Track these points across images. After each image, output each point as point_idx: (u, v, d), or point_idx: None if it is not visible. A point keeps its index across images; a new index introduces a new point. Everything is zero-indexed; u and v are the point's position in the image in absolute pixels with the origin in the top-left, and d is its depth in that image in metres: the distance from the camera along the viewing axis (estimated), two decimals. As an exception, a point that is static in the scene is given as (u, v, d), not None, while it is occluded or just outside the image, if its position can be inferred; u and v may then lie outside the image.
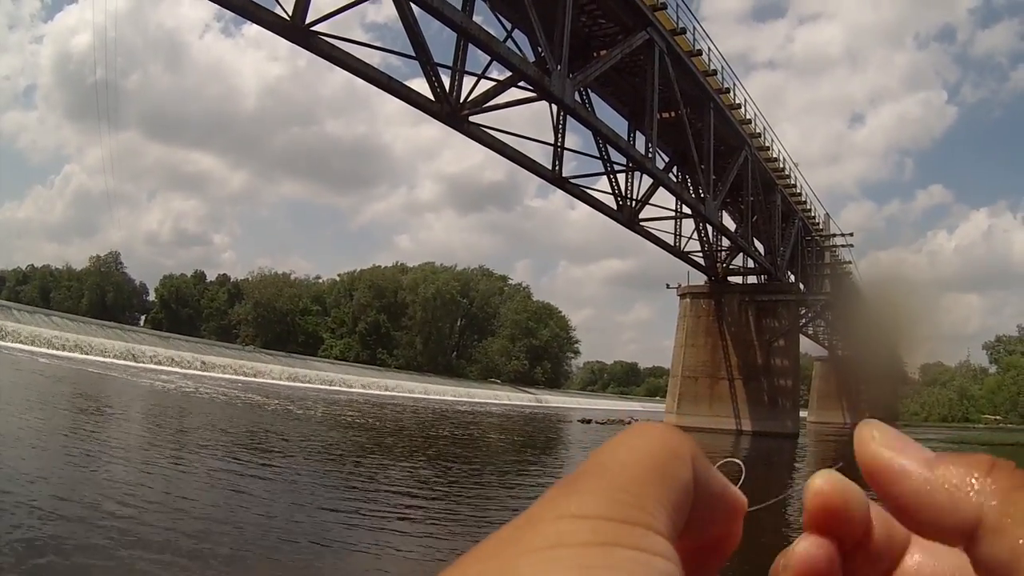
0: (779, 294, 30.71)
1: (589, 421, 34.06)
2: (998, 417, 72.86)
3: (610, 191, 23.05)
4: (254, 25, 13.20)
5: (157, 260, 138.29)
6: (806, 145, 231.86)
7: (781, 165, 31.12)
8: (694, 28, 22.46)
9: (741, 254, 30.97)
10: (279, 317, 77.80)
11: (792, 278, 34.33)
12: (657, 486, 0.26)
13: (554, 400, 66.36)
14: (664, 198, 25.78)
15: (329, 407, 26.16)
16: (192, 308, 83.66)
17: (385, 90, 15.27)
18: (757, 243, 31.29)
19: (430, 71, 15.44)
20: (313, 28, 13.17)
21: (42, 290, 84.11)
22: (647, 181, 23.03)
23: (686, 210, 26.11)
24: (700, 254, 29.79)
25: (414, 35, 14.43)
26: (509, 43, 17.35)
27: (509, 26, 18.87)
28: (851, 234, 36.97)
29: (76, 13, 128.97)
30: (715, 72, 23.98)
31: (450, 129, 16.91)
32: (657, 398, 78.56)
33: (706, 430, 27.92)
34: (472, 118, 16.94)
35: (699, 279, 31.63)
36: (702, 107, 23.71)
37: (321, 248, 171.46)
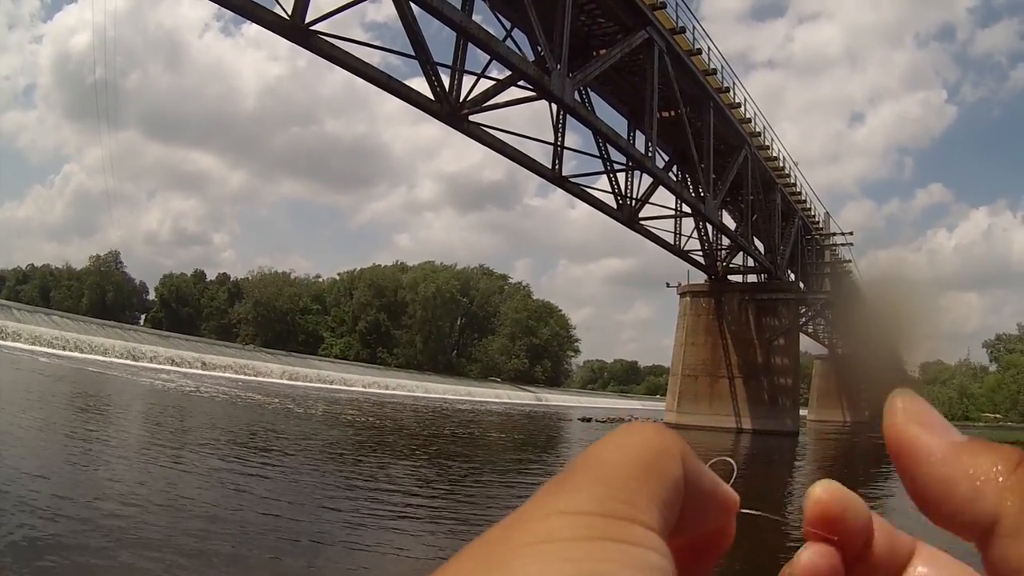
0: (779, 293, 30.73)
1: (589, 420, 34.07)
2: (998, 415, 72.93)
3: (610, 190, 23.07)
4: (254, 25, 13.22)
5: (157, 259, 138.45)
6: (806, 144, 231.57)
7: (781, 164, 31.13)
8: (693, 27, 22.50)
9: (741, 253, 30.99)
10: (279, 316, 77.87)
11: (792, 277, 34.35)
12: (647, 483, 0.26)
13: (554, 399, 66.42)
14: (664, 197, 25.80)
15: (329, 406, 26.18)
16: (192, 307, 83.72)
17: (385, 89, 15.27)
18: (757, 242, 31.30)
19: (430, 70, 15.44)
20: (313, 27, 13.17)
21: (42, 289, 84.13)
22: (647, 180, 23.05)
23: (686, 209, 26.11)
24: (700, 253, 29.80)
25: (414, 34, 14.43)
26: (508, 42, 17.33)
27: (508, 25, 18.86)
28: (851, 233, 37.01)
29: (75, 13, 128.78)
30: (715, 71, 23.98)
31: (450, 128, 16.91)
32: (657, 397, 78.61)
33: (706, 428, 27.95)
34: (472, 117, 16.94)
35: (699, 278, 31.65)
36: (702, 106, 23.71)
37: (321, 247, 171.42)
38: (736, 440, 25.65)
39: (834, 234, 37.65)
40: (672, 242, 27.45)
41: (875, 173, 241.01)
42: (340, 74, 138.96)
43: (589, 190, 22.38)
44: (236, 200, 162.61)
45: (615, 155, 22.00)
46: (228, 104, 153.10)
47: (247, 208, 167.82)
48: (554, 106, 19.36)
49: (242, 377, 38.22)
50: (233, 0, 12.36)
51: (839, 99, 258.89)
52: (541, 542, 0.23)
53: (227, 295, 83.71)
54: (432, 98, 15.75)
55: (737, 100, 26.20)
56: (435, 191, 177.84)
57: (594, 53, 20.16)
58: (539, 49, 17.10)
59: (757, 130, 28.29)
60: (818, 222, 37.13)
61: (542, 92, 16.91)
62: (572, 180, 21.51)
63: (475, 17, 15.74)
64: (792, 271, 34.91)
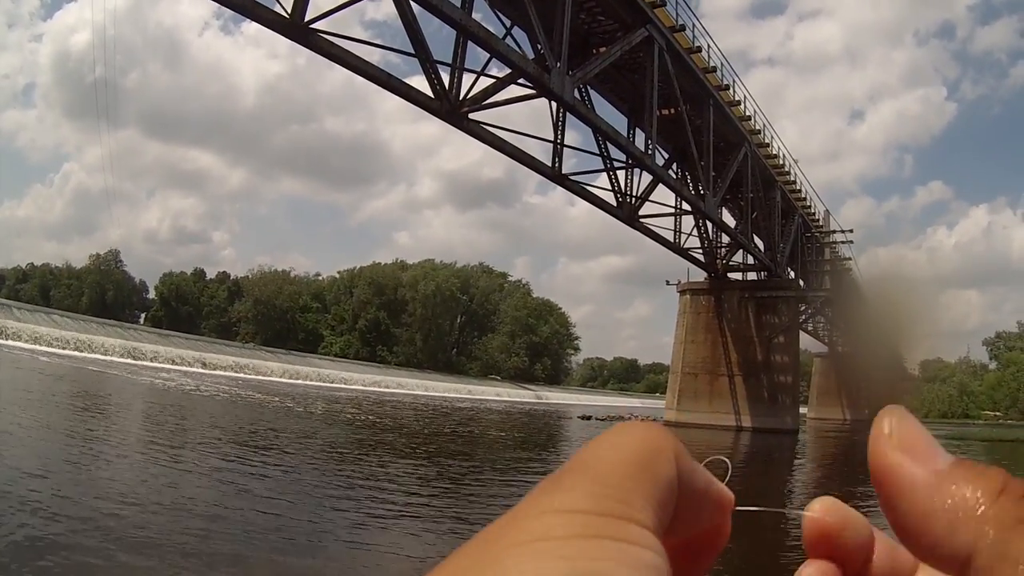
0: (779, 290, 30.74)
1: (589, 417, 34.11)
2: (998, 413, 73.01)
3: (610, 188, 23.05)
4: (253, 23, 13.21)
5: (157, 258, 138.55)
6: (806, 142, 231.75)
7: (781, 162, 31.11)
8: (693, 25, 22.45)
9: (741, 250, 30.97)
10: (279, 314, 77.89)
11: (792, 274, 34.37)
12: (641, 482, 0.26)
13: (554, 397, 66.44)
14: (664, 195, 25.76)
15: (329, 404, 26.18)
16: (192, 306, 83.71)
17: (385, 87, 15.27)
18: (757, 239, 31.29)
19: (429, 68, 15.42)
20: (312, 26, 13.15)
21: (42, 288, 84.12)
22: (647, 178, 23.03)
23: (686, 207, 26.11)
24: (700, 250, 29.79)
25: (413, 32, 14.41)
26: (508, 40, 17.32)
27: (508, 23, 18.84)
28: (851, 230, 37.08)
29: (75, 11, 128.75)
30: (714, 69, 23.97)
31: (449, 126, 16.90)
32: (657, 394, 78.60)
33: (706, 426, 27.98)
34: (472, 115, 16.93)
35: (699, 276, 31.65)
36: (701, 104, 23.69)
37: (321, 245, 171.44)
38: (736, 438, 25.67)
39: (834, 232, 37.69)
40: (672, 240, 27.44)
41: (875, 171, 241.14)
42: (340, 72, 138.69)
43: (589, 188, 22.37)
44: (236, 198, 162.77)
45: (615, 153, 22.00)
46: (228, 102, 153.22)
47: (247, 206, 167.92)
48: (554, 104, 19.34)
49: (242, 376, 38.22)
50: (232, -2, 12.35)
51: (839, 97, 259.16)
52: (536, 540, 0.23)
53: (227, 293, 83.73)
54: (432, 96, 15.74)
55: (737, 98, 26.17)
56: (435, 189, 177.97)
57: (594, 51, 20.14)
58: (539, 47, 17.07)
59: (757, 128, 28.28)
60: (818, 220, 37.13)
61: (542, 90, 16.89)
62: (572, 178, 21.49)
63: (475, 15, 15.71)
64: (792, 269, 34.93)
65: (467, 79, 16.60)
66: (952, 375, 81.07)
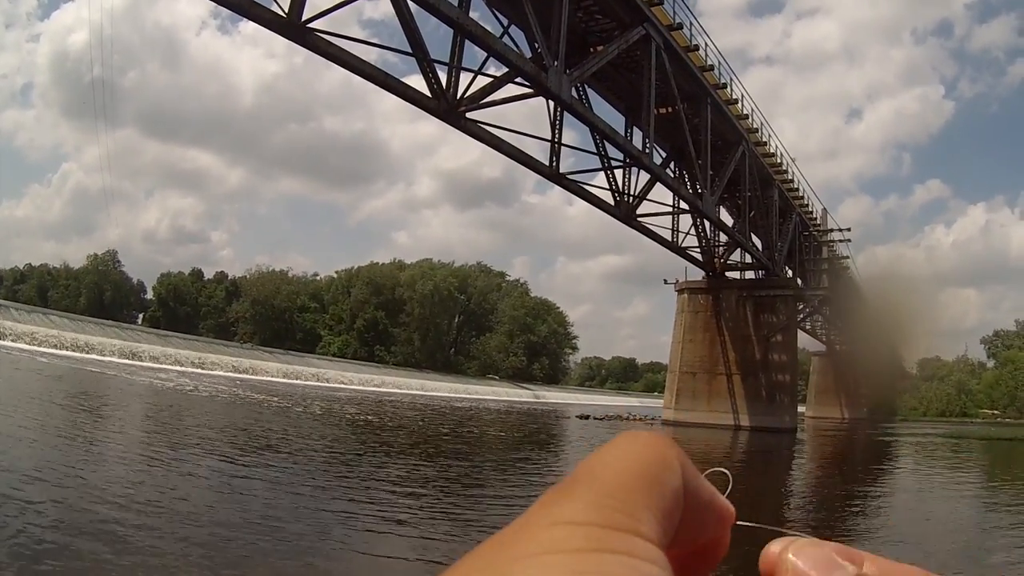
0: (777, 289, 30.77)
1: (587, 417, 34.09)
2: (996, 411, 73.18)
3: (607, 187, 23.07)
4: (251, 23, 13.18)
5: (155, 258, 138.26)
6: (803, 140, 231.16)
7: (778, 160, 31.15)
8: (691, 23, 22.48)
9: (739, 249, 31.02)
10: (277, 314, 77.76)
11: (790, 273, 34.43)
12: (647, 494, 0.26)
13: (552, 396, 66.40)
14: (661, 194, 25.78)
15: (328, 404, 26.16)
16: (190, 306, 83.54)
17: (382, 87, 15.25)
18: (755, 238, 31.34)
19: (427, 68, 15.42)
20: (309, 25, 13.14)
21: (40, 289, 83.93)
22: (644, 177, 23.07)
23: (683, 206, 26.13)
24: (698, 249, 29.83)
25: (411, 32, 14.40)
26: (506, 39, 17.32)
27: (506, 22, 18.85)
28: (849, 229, 37.27)
29: (73, 11, 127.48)
30: (712, 67, 23.99)
31: (447, 126, 16.89)
32: (655, 394, 78.65)
33: (704, 425, 28.02)
34: (469, 114, 16.92)
35: (697, 275, 31.68)
36: (699, 102, 23.71)
37: (319, 245, 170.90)
38: (734, 437, 25.69)
39: (832, 230, 37.76)
40: (670, 239, 27.47)
41: (873, 169, 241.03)
42: (338, 71, 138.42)
43: (587, 187, 22.39)
44: (234, 198, 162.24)
45: (612, 152, 22.02)
46: (226, 102, 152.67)
47: (245, 206, 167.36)
48: (551, 103, 19.33)
49: (240, 376, 38.16)
50: (229, -2, 12.33)
51: (837, 95, 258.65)
52: (544, 552, 0.23)
53: (225, 293, 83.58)
54: (429, 95, 15.73)
55: (734, 96, 26.19)
56: (433, 188, 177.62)
57: (591, 50, 20.15)
58: (536, 46, 17.08)
59: (754, 126, 28.30)
60: (816, 218, 37.19)
61: (539, 89, 16.90)
62: (570, 177, 21.51)
63: (472, 14, 15.70)
64: (790, 267, 34.98)
65: (464, 78, 16.64)
66: (950, 373, 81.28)
